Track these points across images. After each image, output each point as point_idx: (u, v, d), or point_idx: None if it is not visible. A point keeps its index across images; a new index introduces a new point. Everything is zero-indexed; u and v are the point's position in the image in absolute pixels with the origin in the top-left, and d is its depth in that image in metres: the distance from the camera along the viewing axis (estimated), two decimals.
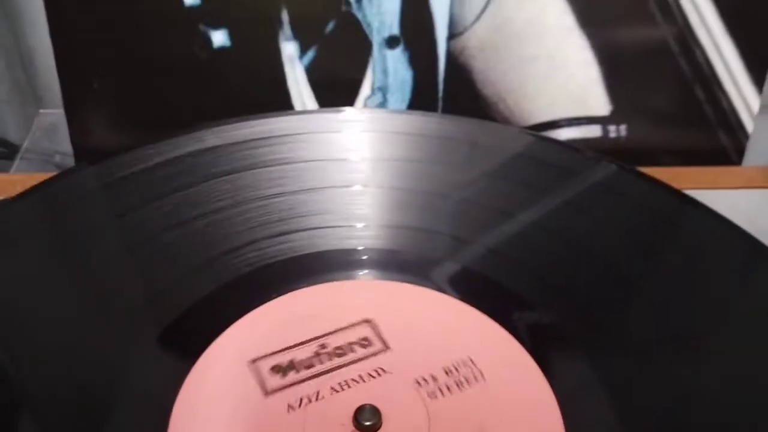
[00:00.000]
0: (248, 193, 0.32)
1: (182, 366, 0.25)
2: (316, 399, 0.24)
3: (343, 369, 0.25)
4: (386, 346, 0.26)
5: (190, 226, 0.31)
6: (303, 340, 0.26)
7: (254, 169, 0.33)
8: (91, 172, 0.34)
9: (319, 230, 0.31)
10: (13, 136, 0.52)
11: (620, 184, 0.34)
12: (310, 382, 0.25)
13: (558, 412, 0.24)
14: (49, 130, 0.51)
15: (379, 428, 0.24)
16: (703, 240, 0.31)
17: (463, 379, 0.25)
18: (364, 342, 0.26)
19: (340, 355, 0.26)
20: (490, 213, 0.32)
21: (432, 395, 0.25)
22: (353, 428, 0.24)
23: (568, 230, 0.31)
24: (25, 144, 0.50)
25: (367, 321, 0.27)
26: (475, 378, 0.25)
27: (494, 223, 0.31)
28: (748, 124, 0.44)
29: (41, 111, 0.52)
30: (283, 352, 0.26)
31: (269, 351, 0.26)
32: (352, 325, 0.27)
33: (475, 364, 0.26)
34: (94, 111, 0.42)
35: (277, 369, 0.25)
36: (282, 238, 0.30)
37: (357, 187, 0.33)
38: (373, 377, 0.25)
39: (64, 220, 0.31)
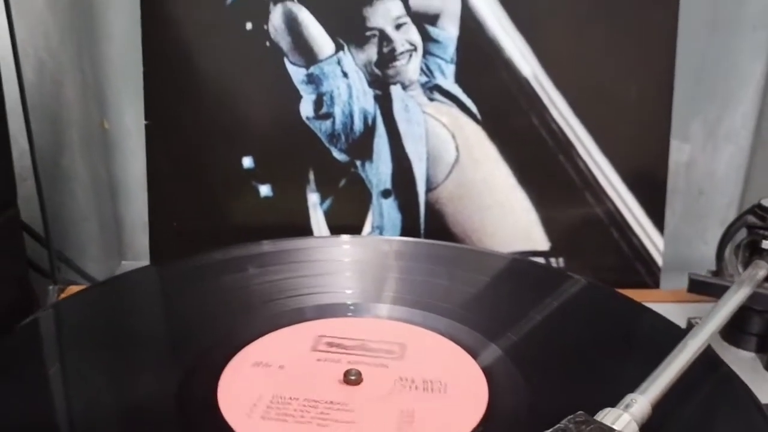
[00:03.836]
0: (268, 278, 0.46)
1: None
2: None
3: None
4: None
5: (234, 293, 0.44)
6: None
7: (277, 264, 0.48)
8: (155, 269, 0.49)
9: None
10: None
11: (590, 294, 0.46)
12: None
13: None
14: None
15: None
16: (652, 331, 0.43)
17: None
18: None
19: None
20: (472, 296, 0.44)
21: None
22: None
23: (555, 329, 0.42)
24: None
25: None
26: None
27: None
28: (658, 258, 0.58)
29: (123, 263, 0.67)
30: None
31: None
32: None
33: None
34: (173, 244, 0.57)
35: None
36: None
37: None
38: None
39: (134, 298, 0.45)
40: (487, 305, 0.44)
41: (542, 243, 0.58)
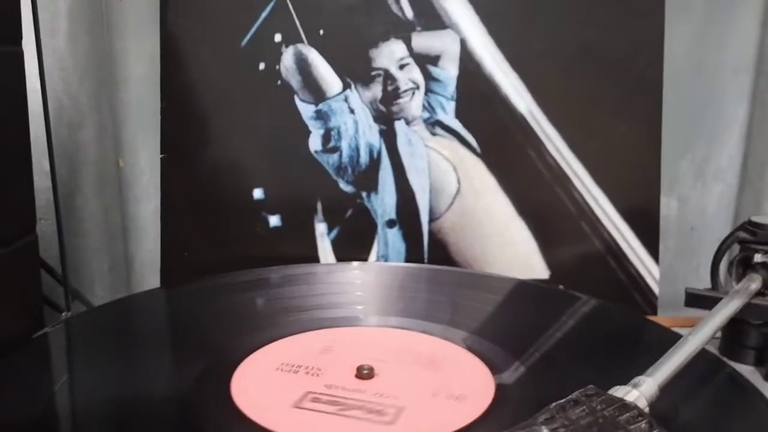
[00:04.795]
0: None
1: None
2: None
3: None
4: None
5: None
6: None
7: (291, 286, 0.49)
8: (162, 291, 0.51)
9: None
10: None
11: (599, 312, 0.49)
12: None
13: None
14: None
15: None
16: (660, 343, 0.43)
17: None
18: None
19: None
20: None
21: None
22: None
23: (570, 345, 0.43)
24: None
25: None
26: None
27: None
28: (654, 287, 0.60)
29: None
30: None
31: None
32: None
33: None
34: (182, 273, 0.59)
35: None
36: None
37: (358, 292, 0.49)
38: None
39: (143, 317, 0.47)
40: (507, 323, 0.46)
41: (542, 271, 0.60)
